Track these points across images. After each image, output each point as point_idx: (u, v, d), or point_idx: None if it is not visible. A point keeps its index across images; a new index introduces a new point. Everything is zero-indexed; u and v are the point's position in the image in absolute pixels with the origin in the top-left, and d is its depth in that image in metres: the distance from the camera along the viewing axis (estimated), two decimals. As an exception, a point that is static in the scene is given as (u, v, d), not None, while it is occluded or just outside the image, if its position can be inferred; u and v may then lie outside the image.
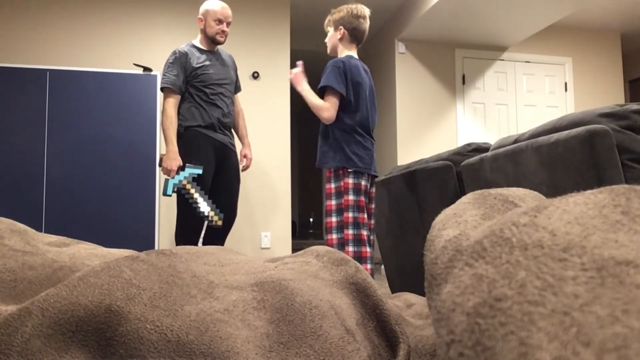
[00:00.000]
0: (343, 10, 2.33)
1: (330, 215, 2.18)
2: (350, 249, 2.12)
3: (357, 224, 2.14)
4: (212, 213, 2.65)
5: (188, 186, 2.61)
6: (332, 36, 2.37)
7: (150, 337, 0.44)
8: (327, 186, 2.22)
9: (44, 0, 3.87)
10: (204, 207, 2.63)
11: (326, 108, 2.19)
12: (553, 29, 5.37)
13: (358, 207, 2.16)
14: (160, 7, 4.06)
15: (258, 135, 4.12)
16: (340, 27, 2.32)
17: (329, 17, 2.39)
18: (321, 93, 2.24)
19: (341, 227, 2.15)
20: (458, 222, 0.37)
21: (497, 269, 0.27)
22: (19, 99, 3.60)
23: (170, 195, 2.63)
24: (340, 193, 2.18)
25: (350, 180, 2.18)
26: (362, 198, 2.19)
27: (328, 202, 2.21)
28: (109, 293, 0.47)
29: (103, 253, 0.82)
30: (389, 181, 2.63)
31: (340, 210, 2.17)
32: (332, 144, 2.22)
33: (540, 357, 0.21)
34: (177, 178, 2.60)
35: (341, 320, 0.48)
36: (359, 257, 2.12)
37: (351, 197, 2.16)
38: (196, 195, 2.62)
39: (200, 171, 2.63)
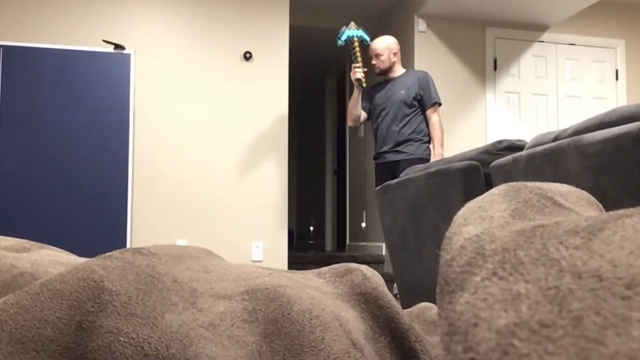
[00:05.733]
0: None
1: None
2: None
3: None
4: (363, 79, 3.42)
5: (356, 44, 3.38)
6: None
7: (125, 352, 0.46)
8: None
9: (-1, -36, 3.90)
10: (359, 72, 3.41)
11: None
12: (603, 6, 5.37)
13: None
14: (136, -26, 4.08)
15: (249, 129, 4.13)
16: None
17: None
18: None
19: None
20: (482, 218, 0.38)
21: (542, 292, 0.28)
22: (-32, 79, 3.62)
23: (342, 43, 3.43)
24: None
25: None
26: None
27: None
28: (79, 305, 0.48)
29: (69, 261, 0.83)
30: (405, 184, 2.64)
31: None
32: None
33: None
34: (354, 32, 3.39)
35: (347, 332, 0.49)
36: None
37: None
38: (359, 56, 3.40)
39: (368, 39, 3.48)
